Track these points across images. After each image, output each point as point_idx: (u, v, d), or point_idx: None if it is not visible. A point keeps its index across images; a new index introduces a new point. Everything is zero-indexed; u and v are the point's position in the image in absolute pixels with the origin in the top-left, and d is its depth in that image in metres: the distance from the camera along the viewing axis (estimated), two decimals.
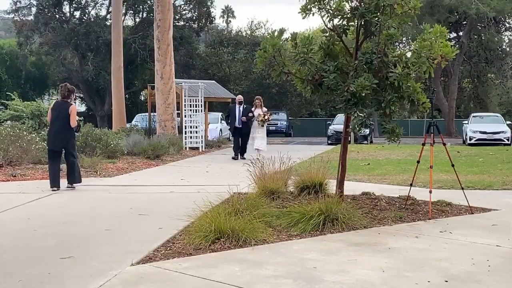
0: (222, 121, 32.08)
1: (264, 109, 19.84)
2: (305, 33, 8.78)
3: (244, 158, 18.78)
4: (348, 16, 8.52)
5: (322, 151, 21.97)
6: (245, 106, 20.05)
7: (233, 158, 19.61)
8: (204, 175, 14.79)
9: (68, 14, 46.36)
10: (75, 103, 14.41)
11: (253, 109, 19.74)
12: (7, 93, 30.89)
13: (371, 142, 32.39)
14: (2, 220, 8.70)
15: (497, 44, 46.22)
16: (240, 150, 19.87)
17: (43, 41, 45.29)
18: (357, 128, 8.31)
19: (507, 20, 47.93)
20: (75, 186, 12.10)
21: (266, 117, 19.23)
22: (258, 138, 19.33)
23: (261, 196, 8.98)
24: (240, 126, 19.68)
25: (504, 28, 48.98)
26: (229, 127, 21.42)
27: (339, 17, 8.58)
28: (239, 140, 19.94)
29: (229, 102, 29.17)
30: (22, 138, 15.51)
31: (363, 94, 7.98)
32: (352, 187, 10.52)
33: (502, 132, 30.84)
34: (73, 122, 11.99)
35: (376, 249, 6.79)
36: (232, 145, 21.02)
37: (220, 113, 35.29)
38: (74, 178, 12.15)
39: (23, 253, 6.65)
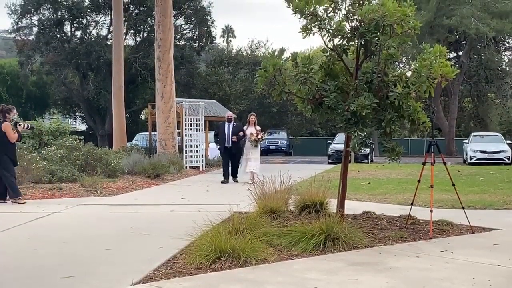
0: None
1: (258, 127, 18.29)
2: (305, 53, 8.82)
3: (237, 181, 18.04)
4: (348, 36, 8.55)
5: (322, 170, 21.95)
6: (235, 124, 18.68)
7: (222, 182, 18.01)
8: (204, 194, 14.78)
9: (69, 34, 46.54)
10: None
11: (245, 127, 18.35)
12: None
13: (372, 161, 32.37)
14: (3, 239, 8.68)
15: (497, 63, 46.40)
16: (231, 172, 18.39)
17: (44, 60, 45.42)
18: (358, 147, 8.31)
19: (506, 40, 48.19)
20: (11, 201, 12.56)
21: (259, 137, 17.79)
22: (251, 160, 17.86)
23: (261, 215, 8.96)
24: (230, 145, 18.21)
25: (503, 48, 49.24)
26: (218, 147, 19.54)
27: (339, 37, 8.61)
28: (229, 161, 18.38)
29: None
30: (22, 157, 15.49)
31: (364, 114, 7.99)
32: (352, 206, 10.50)
33: (503, 151, 30.90)
34: (11, 137, 12.65)
35: (377, 268, 6.78)
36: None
37: None
38: (1, 193, 12.76)
39: (24, 272, 6.63)
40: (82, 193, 14.33)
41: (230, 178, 18.31)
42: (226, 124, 18.47)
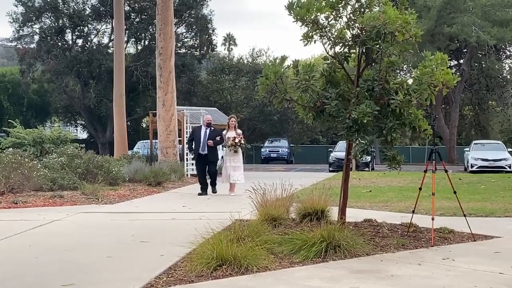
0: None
1: (239, 131, 16.51)
2: (306, 60, 8.82)
3: (216, 192, 16.50)
4: (350, 43, 8.57)
5: (323, 178, 21.94)
6: (212, 128, 16.65)
7: (199, 194, 16.38)
8: (205, 202, 14.76)
9: (70, 42, 46.69)
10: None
11: (224, 131, 16.51)
12: (9, 120, 30.96)
13: (373, 169, 32.38)
14: (4, 247, 8.67)
15: (498, 71, 46.48)
16: (210, 182, 16.67)
17: (45, 68, 45.57)
18: (359, 155, 8.31)
19: (507, 48, 48.24)
20: None
21: (237, 141, 15.96)
22: (231, 168, 16.27)
23: (263, 223, 8.94)
24: (205, 152, 16.43)
25: (504, 56, 49.29)
26: (192, 155, 17.69)
27: (340, 44, 8.63)
28: (205, 170, 16.68)
29: None
30: (23, 165, 15.50)
31: (365, 121, 8.00)
32: (354, 214, 10.48)
33: (504, 159, 30.88)
34: None
35: (378, 276, 6.76)
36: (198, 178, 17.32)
37: None
38: None
39: (25, 280, 6.61)
40: (83, 201, 14.32)
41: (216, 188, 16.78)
42: (203, 128, 16.77)
